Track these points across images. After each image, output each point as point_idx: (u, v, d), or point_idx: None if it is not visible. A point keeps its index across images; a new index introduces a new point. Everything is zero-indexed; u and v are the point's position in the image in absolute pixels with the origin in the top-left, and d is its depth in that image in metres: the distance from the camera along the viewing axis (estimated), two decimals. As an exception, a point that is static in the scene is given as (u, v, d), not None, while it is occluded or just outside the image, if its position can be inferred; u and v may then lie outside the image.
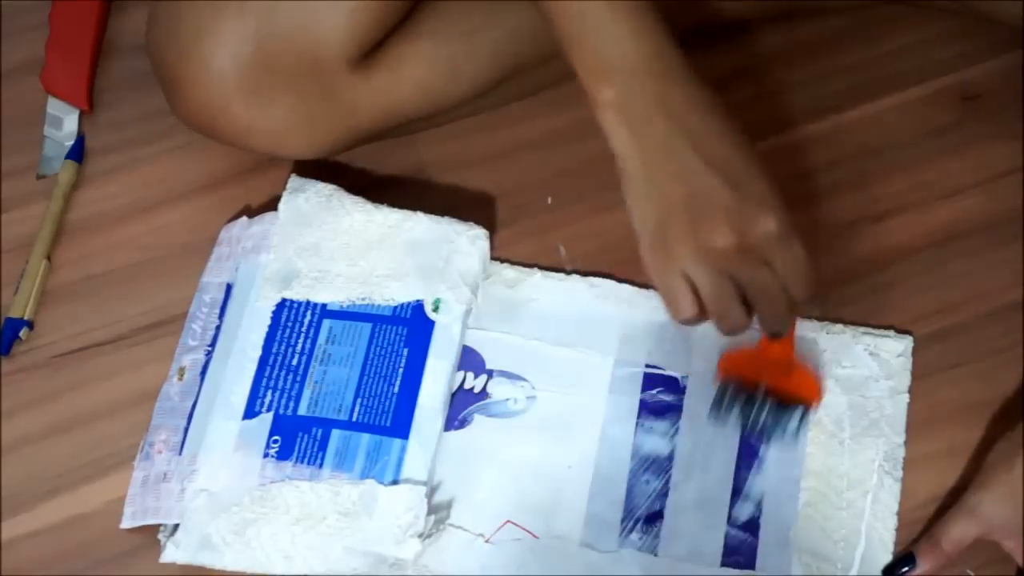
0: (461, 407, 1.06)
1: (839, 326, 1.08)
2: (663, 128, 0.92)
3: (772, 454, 1.03)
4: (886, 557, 1.00)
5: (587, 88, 0.93)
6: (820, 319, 1.08)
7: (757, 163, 0.94)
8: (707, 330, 1.07)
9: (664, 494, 1.02)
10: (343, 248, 1.08)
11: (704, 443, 1.04)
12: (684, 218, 0.92)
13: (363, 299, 1.07)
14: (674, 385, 1.06)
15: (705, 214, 0.92)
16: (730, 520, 1.01)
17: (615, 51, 0.92)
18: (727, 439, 1.04)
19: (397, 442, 1.01)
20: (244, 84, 1.05)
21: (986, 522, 0.97)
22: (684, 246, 0.93)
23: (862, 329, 1.08)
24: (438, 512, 1.02)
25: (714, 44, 1.21)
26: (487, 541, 1.01)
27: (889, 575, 0.99)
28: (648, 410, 1.05)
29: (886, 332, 1.07)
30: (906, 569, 0.98)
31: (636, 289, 1.10)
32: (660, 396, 1.06)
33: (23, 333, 1.11)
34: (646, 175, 0.93)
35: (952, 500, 1.01)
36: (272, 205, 1.11)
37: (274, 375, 1.04)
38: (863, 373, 1.06)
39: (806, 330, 1.07)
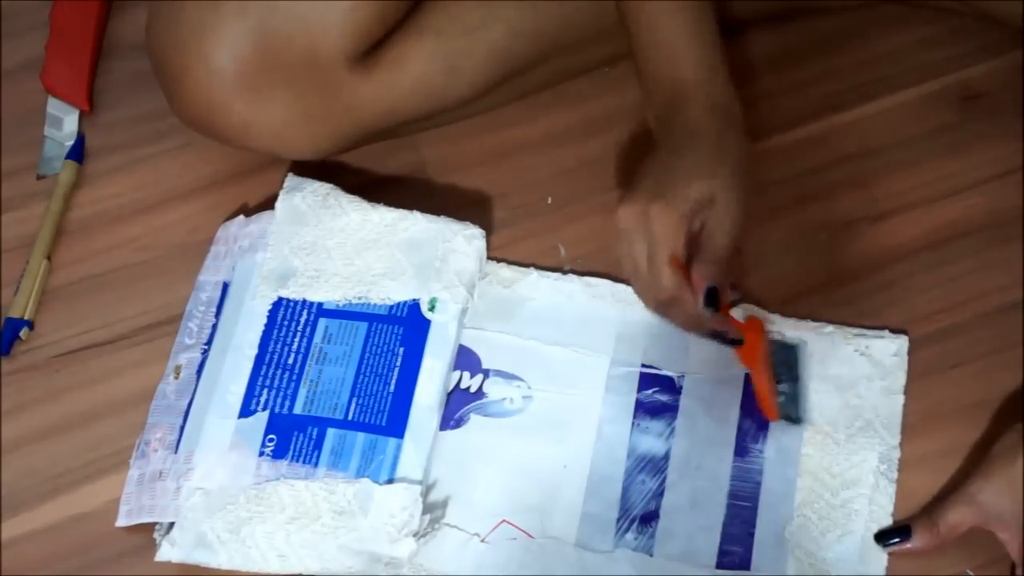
0: (457, 406, 1.06)
1: (830, 327, 1.07)
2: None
3: (768, 453, 1.03)
4: (881, 558, 0.99)
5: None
6: (814, 319, 1.08)
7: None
8: (704, 330, 1.08)
9: (660, 494, 1.02)
10: (339, 247, 1.08)
11: (700, 443, 1.04)
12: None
13: (359, 298, 1.07)
14: (670, 385, 1.06)
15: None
16: (725, 520, 1.01)
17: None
18: (723, 439, 1.04)
19: (392, 441, 1.01)
20: (243, 82, 1.05)
21: (984, 512, 0.97)
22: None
23: (854, 330, 1.07)
24: (433, 511, 1.02)
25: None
26: (483, 540, 1.01)
27: (881, 542, 0.99)
28: (644, 410, 1.05)
29: (880, 332, 1.07)
30: (898, 540, 0.98)
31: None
32: (656, 396, 1.05)
33: (23, 333, 1.11)
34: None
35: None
36: (269, 204, 1.11)
37: (270, 374, 1.04)
38: (857, 373, 1.05)
39: (799, 330, 1.07)
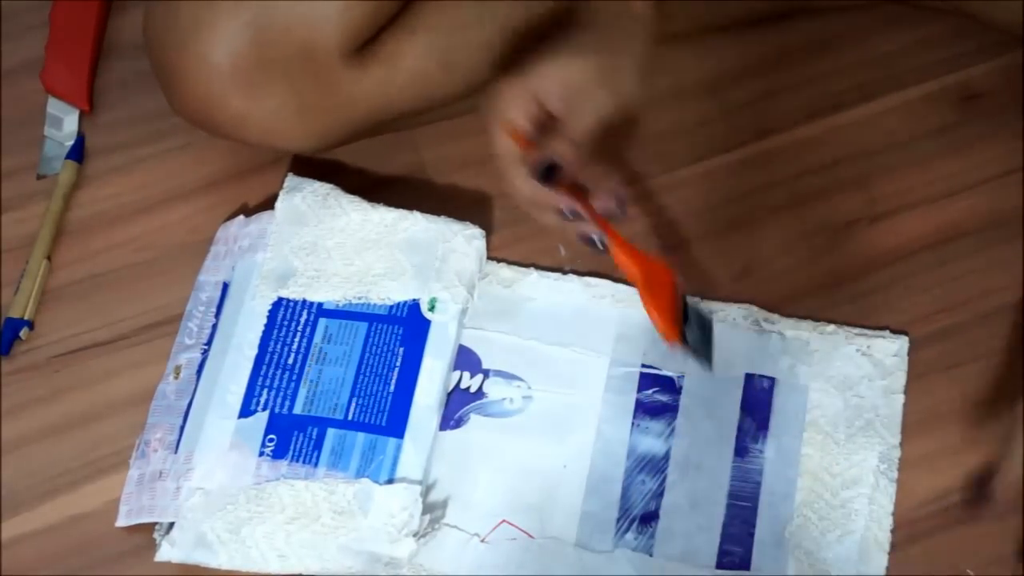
0: (457, 407, 1.06)
1: (831, 327, 1.07)
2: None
3: (768, 454, 1.03)
4: (881, 557, 0.99)
5: None
6: (815, 319, 1.08)
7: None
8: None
9: (659, 494, 1.02)
10: (339, 247, 1.08)
11: (700, 443, 1.04)
12: None
13: (359, 298, 1.07)
14: (670, 385, 1.06)
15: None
16: (725, 520, 1.01)
17: None
18: (723, 439, 1.04)
19: (392, 441, 1.01)
20: (240, 76, 1.05)
21: None
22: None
23: (856, 330, 1.07)
24: (433, 511, 1.02)
25: (714, 44, 1.21)
26: (482, 541, 1.01)
27: None
28: (644, 410, 1.05)
29: (880, 332, 1.07)
30: None
31: (633, 289, 1.09)
32: (656, 396, 1.05)
33: (23, 333, 1.11)
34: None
35: (951, 501, 1.02)
36: (269, 204, 1.11)
37: (270, 374, 1.04)
38: (857, 373, 1.05)
39: (799, 330, 1.07)
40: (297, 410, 1.03)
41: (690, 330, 0.99)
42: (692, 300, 1.01)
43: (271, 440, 1.02)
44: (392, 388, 1.03)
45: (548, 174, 0.97)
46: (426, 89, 1.10)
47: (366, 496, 0.99)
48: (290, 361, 1.05)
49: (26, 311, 1.12)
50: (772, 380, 1.05)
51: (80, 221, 1.17)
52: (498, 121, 0.99)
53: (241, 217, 1.12)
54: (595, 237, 0.99)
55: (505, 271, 1.11)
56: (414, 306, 1.06)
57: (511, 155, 0.99)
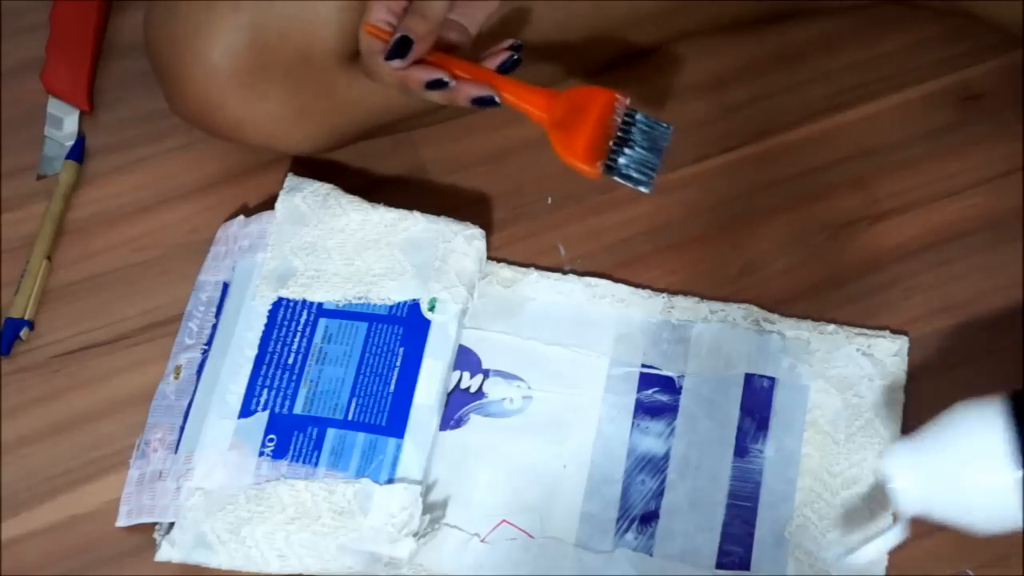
0: (457, 407, 1.06)
1: (832, 326, 1.07)
2: None
3: (768, 453, 1.03)
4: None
5: None
6: (815, 319, 1.08)
7: None
8: (704, 330, 1.08)
9: (659, 494, 1.02)
10: (339, 247, 1.08)
11: (700, 443, 1.04)
12: None
13: (359, 298, 1.07)
14: (670, 385, 1.06)
15: None
16: (725, 520, 1.01)
17: None
18: (723, 439, 1.04)
19: (392, 441, 1.01)
20: (238, 78, 1.05)
21: None
22: None
23: (856, 330, 1.07)
24: (433, 511, 1.02)
25: (714, 44, 1.21)
26: (482, 541, 1.01)
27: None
28: (644, 410, 1.05)
29: (880, 332, 1.07)
30: None
31: (632, 289, 1.10)
32: (656, 396, 1.05)
33: (23, 333, 1.11)
34: None
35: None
36: (269, 204, 1.11)
37: (270, 374, 1.04)
38: (857, 373, 1.05)
39: (800, 330, 1.07)
40: (297, 410, 1.03)
41: (630, 151, 0.95)
42: (640, 116, 0.96)
43: (271, 440, 1.02)
44: (392, 388, 1.03)
45: (400, 50, 0.93)
46: None
47: (366, 496, 0.99)
48: (290, 361, 1.05)
49: (26, 311, 1.12)
50: (772, 380, 1.05)
51: (80, 221, 1.17)
52: (362, 23, 0.95)
53: (241, 217, 1.12)
54: (485, 94, 0.96)
55: (505, 271, 1.11)
56: (414, 306, 1.06)
57: (373, 49, 0.95)
